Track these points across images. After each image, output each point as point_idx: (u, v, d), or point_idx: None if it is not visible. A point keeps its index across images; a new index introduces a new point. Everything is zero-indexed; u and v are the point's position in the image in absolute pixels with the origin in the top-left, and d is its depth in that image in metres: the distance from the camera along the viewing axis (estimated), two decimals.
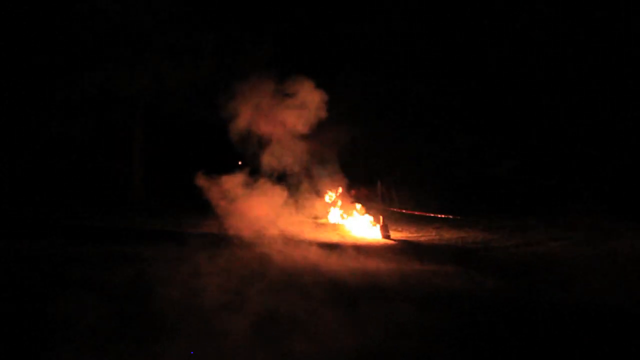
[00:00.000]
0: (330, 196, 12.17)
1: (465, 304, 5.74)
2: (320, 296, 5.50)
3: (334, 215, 12.41)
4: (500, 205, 13.76)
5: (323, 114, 9.76)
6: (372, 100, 14.66)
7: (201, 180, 8.75)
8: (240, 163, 11.27)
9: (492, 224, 11.97)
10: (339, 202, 12.38)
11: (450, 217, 11.97)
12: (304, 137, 10.27)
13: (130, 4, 14.96)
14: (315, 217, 12.03)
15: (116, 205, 14.24)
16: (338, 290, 5.96)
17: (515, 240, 10.32)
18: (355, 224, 11.64)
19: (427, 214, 12.32)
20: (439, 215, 12.21)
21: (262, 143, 9.81)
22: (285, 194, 9.31)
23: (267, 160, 9.81)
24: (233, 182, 8.81)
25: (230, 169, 9.47)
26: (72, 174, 16.91)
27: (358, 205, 12.09)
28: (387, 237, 10.63)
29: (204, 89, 14.87)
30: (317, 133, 10.96)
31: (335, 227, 11.84)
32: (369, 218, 11.48)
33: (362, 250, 8.97)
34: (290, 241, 8.63)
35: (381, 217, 10.96)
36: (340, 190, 11.96)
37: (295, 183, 10.59)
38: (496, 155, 15.49)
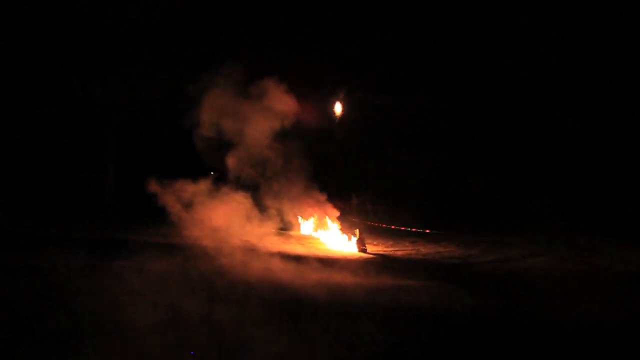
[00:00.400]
0: (304, 208, 11.70)
1: (435, 321, 5.28)
2: (271, 310, 4.98)
3: (308, 227, 11.92)
4: (475, 221, 13.46)
5: (290, 118, 9.35)
6: (350, 114, 14.37)
7: (154, 187, 8.17)
8: (212, 173, 10.81)
9: (468, 239, 11.61)
10: (313, 214, 11.90)
11: (428, 231, 11.56)
12: (276, 145, 9.86)
13: (108, 14, 14.68)
14: (286, 229, 11.54)
15: (89, 215, 13.62)
16: (294, 304, 5.46)
17: (494, 256, 9.97)
18: (330, 237, 11.17)
19: (404, 228, 11.89)
20: (416, 230, 11.79)
21: (227, 149, 9.35)
22: (248, 202, 8.78)
23: (232, 167, 9.32)
24: (189, 188, 8.25)
25: (205, 176, 9.01)
26: (47, 184, 16.40)
27: (333, 218, 11.63)
28: (364, 250, 10.18)
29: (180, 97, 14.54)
30: (291, 142, 10.58)
31: (309, 239, 11.35)
32: (344, 231, 11.02)
33: (334, 263, 8.50)
34: (254, 252, 8.08)
35: (357, 231, 10.50)
36: (314, 202, 11.50)
37: (265, 192, 10.11)
38: (471, 171, 15.27)
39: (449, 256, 10.00)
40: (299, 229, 11.94)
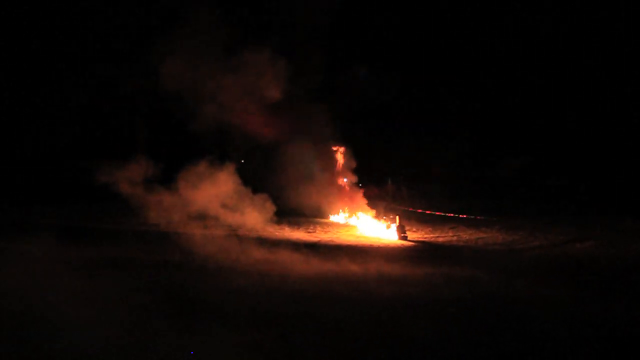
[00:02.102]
0: (340, 196, 11.52)
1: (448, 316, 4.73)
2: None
3: (342, 215, 11.77)
4: (513, 205, 13.22)
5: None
6: (380, 100, 14.10)
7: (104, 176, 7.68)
8: (242, 161, 10.65)
9: (509, 224, 11.41)
10: (348, 202, 11.74)
11: (471, 217, 11.35)
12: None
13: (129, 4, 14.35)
14: (318, 217, 11.38)
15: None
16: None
17: (538, 241, 9.74)
18: (367, 225, 11.00)
19: (445, 214, 11.70)
20: (459, 215, 11.59)
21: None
22: (236, 180, 8.33)
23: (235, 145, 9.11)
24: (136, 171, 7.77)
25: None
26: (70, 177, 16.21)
27: (369, 205, 11.47)
28: (404, 238, 9.97)
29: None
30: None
31: (345, 227, 11.20)
32: (381, 218, 10.87)
33: (364, 252, 8.28)
34: (296, 244, 7.80)
35: (397, 217, 10.29)
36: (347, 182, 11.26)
37: (300, 180, 9.88)
38: (505, 154, 15.04)
39: (492, 242, 9.77)
40: (334, 217, 11.79)
